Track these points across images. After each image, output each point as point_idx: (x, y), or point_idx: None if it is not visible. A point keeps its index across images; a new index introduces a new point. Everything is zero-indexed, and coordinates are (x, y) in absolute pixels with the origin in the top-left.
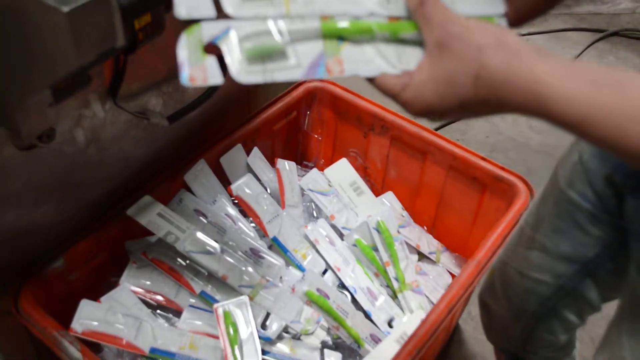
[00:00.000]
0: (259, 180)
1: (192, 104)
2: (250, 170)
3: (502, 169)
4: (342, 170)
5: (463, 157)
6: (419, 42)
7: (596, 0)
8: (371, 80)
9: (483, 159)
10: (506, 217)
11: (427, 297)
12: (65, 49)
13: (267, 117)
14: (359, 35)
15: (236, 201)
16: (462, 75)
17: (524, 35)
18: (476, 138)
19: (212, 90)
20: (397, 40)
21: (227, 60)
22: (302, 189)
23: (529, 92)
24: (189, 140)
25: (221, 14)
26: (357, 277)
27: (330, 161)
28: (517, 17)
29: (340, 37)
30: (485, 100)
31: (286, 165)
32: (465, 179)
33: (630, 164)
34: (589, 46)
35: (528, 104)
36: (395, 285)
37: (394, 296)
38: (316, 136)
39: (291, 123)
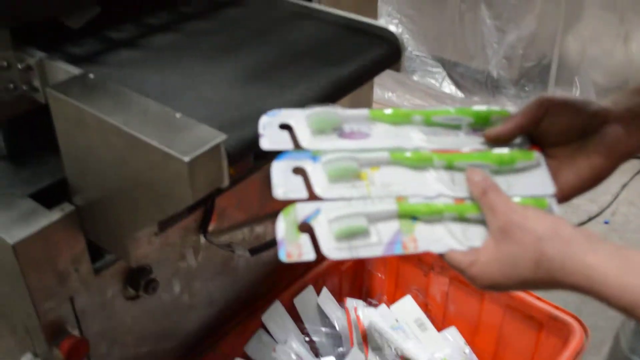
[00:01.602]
0: (327, 318)
1: (272, 242)
2: (320, 310)
3: (557, 308)
4: (407, 307)
5: (519, 297)
6: (482, 221)
7: None
8: (441, 256)
9: (538, 298)
10: (562, 357)
11: None
12: (181, 191)
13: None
14: (430, 216)
15: (307, 339)
16: (524, 259)
17: None
18: None
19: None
20: (463, 219)
21: (318, 238)
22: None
23: (582, 277)
24: (265, 281)
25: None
26: None
27: (392, 297)
28: (564, 196)
29: (414, 217)
30: (544, 281)
31: (354, 304)
32: (522, 317)
33: None
34: (637, 173)
35: (582, 286)
36: None
37: None
38: (380, 275)
39: (357, 263)
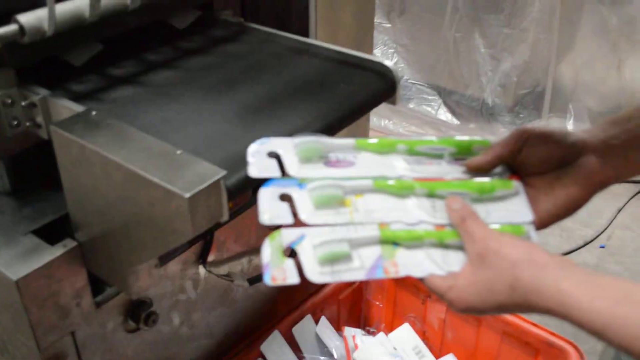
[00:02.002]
0: (326, 347)
1: None
2: (318, 339)
3: (553, 334)
4: (405, 335)
5: (515, 324)
6: (461, 247)
7: None
8: (421, 280)
9: (534, 324)
10: None
11: None
12: (181, 226)
13: (333, 287)
14: (411, 241)
15: None
16: (499, 284)
17: None
18: None
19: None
20: (442, 245)
21: (302, 262)
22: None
23: (556, 301)
24: (264, 311)
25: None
26: None
27: (390, 325)
28: (542, 223)
29: (395, 242)
30: (519, 305)
31: (352, 332)
32: (519, 343)
33: None
34: (632, 197)
35: (556, 311)
36: None
37: None
38: (377, 303)
39: (355, 292)
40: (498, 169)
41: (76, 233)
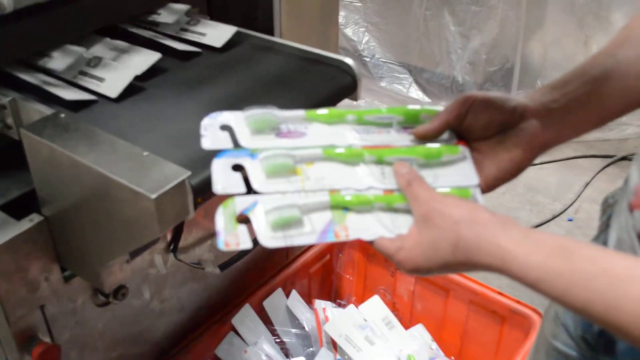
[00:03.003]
0: (297, 319)
1: (240, 255)
2: (289, 312)
3: (518, 302)
4: (375, 307)
5: (482, 293)
6: (409, 211)
7: (604, 127)
8: (371, 243)
9: (500, 293)
10: (524, 348)
11: None
12: (149, 225)
13: (303, 261)
14: (360, 206)
15: (277, 340)
16: (443, 242)
17: (537, 164)
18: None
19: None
20: (391, 209)
21: (255, 228)
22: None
23: (495, 257)
24: (235, 286)
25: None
26: None
27: (361, 298)
28: (487, 186)
29: (346, 207)
30: (462, 263)
31: (322, 305)
32: (485, 312)
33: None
34: (599, 171)
35: (495, 266)
36: None
37: None
38: (348, 276)
39: (325, 265)
40: (445, 136)
41: (53, 231)
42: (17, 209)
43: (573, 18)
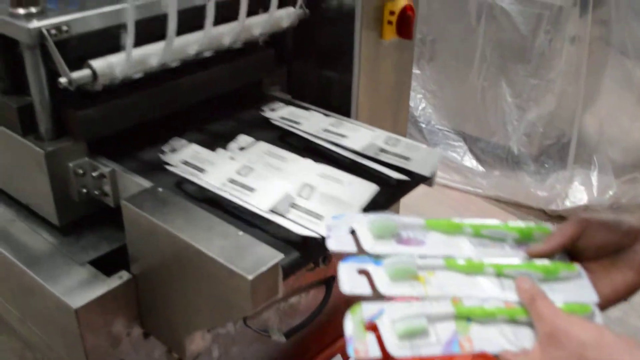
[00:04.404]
0: None
1: (305, 322)
2: None
3: None
4: None
5: None
6: (530, 323)
7: None
8: (495, 356)
9: None
10: None
11: None
12: (242, 304)
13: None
14: (484, 318)
15: None
16: None
17: None
18: None
19: (321, 308)
20: (513, 321)
21: (383, 336)
22: None
23: None
24: (297, 348)
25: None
26: None
27: None
28: (600, 307)
29: (469, 318)
30: None
31: None
32: None
33: None
34: None
35: None
36: None
37: None
38: None
39: None
40: (557, 255)
41: (139, 294)
42: (105, 264)
43: (630, 93)
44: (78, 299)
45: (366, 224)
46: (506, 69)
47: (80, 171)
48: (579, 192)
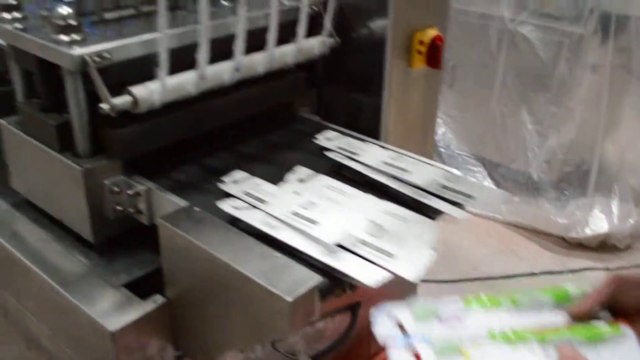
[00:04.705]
0: None
1: (332, 346)
2: None
3: None
4: None
5: None
6: None
7: None
8: None
9: None
10: None
11: None
12: (280, 325)
13: (384, 356)
14: None
15: None
16: None
17: None
18: None
19: (348, 332)
20: None
21: None
22: None
23: None
24: None
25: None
26: None
27: None
28: None
29: None
30: None
31: None
32: None
33: None
34: None
35: None
36: None
37: None
38: None
39: None
40: (600, 313)
41: (173, 317)
42: (137, 287)
43: None
44: (114, 322)
45: (407, 309)
46: (527, 95)
47: (116, 189)
48: (599, 219)
